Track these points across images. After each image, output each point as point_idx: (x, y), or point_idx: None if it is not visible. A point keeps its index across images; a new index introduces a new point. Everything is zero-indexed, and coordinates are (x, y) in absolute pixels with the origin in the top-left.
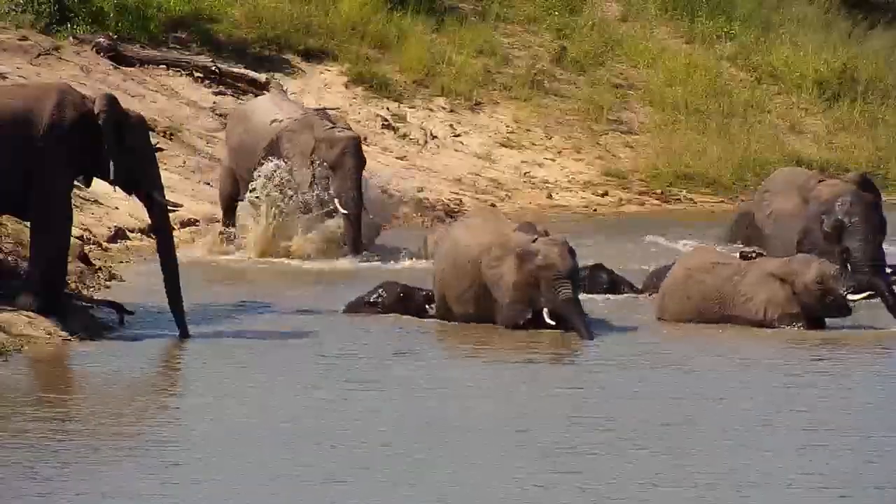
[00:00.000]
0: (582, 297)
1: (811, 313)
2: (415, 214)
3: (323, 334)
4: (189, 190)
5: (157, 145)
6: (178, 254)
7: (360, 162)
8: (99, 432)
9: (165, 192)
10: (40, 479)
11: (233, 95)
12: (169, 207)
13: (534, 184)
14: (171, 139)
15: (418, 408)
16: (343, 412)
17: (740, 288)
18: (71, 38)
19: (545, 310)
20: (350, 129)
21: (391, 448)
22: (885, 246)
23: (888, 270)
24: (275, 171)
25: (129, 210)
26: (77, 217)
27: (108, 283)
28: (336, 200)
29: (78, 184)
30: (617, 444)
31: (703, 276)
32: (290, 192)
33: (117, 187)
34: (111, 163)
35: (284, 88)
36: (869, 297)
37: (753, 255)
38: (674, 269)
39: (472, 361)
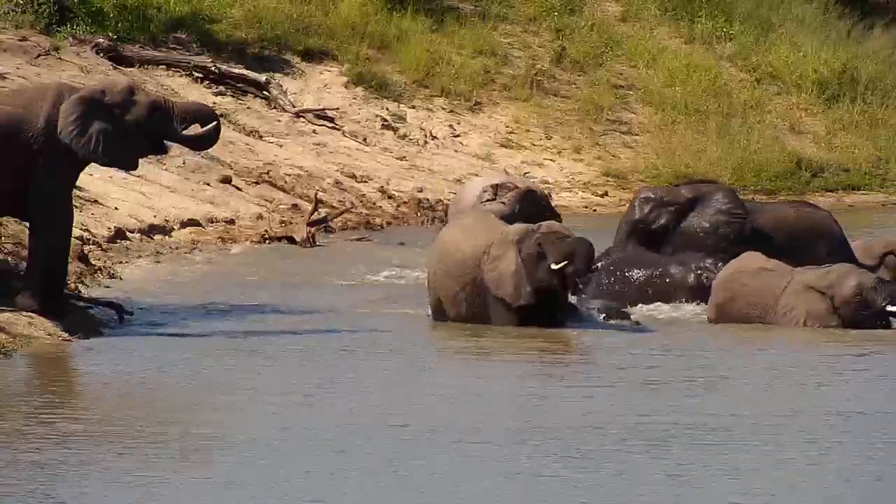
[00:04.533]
0: None
1: (850, 325)
2: (415, 215)
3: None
4: (189, 190)
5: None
6: None
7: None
8: (100, 432)
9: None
10: (43, 480)
11: (232, 96)
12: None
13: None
14: None
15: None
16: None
17: (781, 300)
18: (71, 39)
19: (552, 264)
20: (519, 184)
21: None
22: None
23: None
24: None
25: (128, 210)
26: (77, 217)
27: (107, 283)
28: None
29: (78, 184)
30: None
31: (747, 280)
32: None
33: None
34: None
35: (284, 89)
36: None
37: None
38: (723, 271)
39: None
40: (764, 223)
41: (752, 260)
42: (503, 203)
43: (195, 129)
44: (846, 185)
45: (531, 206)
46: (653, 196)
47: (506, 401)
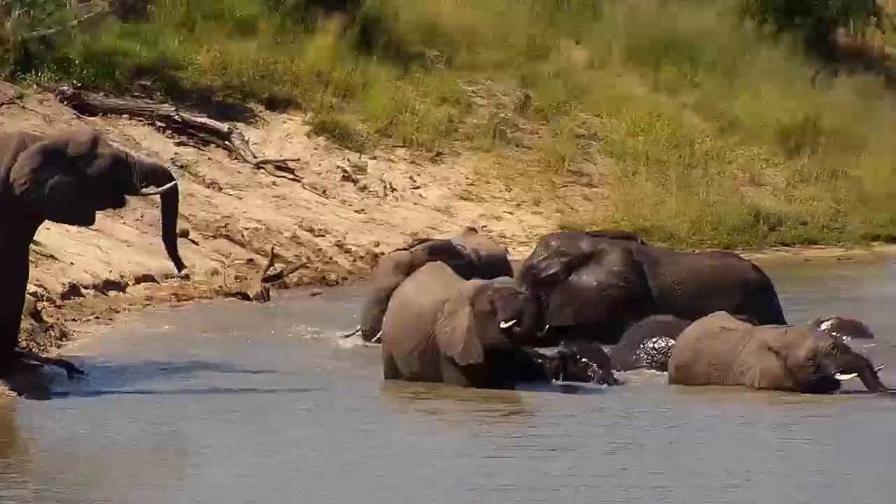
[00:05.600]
0: None
1: (804, 388)
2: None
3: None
4: (146, 245)
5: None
6: None
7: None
8: (45, 495)
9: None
10: None
11: (194, 146)
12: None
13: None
14: None
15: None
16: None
17: (740, 357)
18: (35, 87)
19: (501, 322)
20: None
21: None
22: None
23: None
24: None
25: (84, 265)
26: (32, 272)
27: (59, 341)
28: None
29: (35, 238)
30: None
31: (709, 342)
32: None
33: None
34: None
35: (246, 139)
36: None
37: None
38: (686, 331)
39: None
40: (677, 274)
41: (715, 320)
42: (410, 251)
43: (152, 190)
44: (804, 238)
45: (438, 256)
46: (552, 244)
47: (452, 464)
